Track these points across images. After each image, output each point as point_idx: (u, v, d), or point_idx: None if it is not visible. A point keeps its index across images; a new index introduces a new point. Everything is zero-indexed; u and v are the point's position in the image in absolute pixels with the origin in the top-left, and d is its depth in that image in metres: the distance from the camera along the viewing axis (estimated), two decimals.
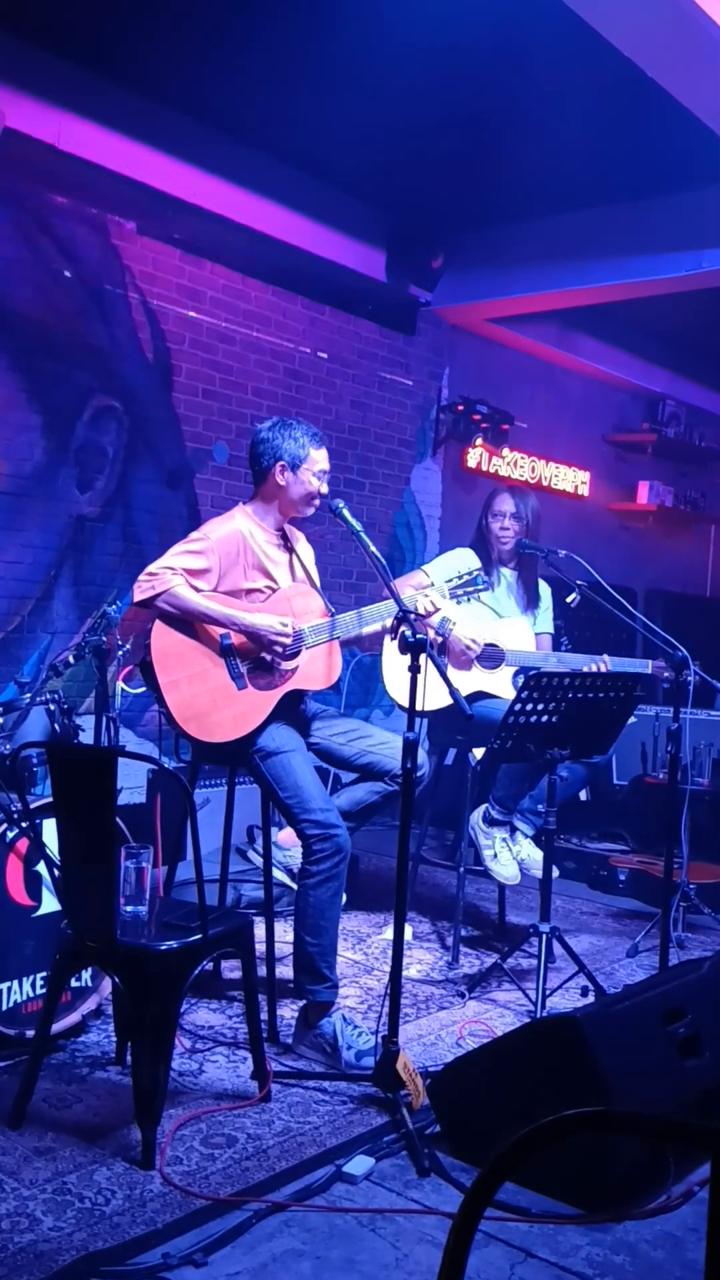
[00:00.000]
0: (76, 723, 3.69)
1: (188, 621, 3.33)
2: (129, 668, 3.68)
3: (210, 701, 3.33)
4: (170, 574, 3.29)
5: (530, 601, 4.46)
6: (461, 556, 4.35)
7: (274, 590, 3.49)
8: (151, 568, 3.32)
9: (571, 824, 6.25)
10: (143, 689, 3.46)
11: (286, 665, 3.41)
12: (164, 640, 3.32)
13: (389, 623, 3.52)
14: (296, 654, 3.42)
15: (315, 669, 3.51)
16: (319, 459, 3.50)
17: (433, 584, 3.80)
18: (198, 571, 3.34)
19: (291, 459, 3.46)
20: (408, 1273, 2.29)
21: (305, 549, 3.69)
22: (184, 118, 5.24)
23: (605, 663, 4.15)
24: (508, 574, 4.45)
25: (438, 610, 3.60)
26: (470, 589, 3.70)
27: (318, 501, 3.54)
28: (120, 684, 3.88)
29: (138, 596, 3.30)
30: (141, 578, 3.31)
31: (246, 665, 3.39)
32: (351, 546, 6.30)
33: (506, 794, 4.22)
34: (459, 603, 3.78)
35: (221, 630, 3.35)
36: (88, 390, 5.38)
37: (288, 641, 3.35)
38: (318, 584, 3.66)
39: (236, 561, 3.41)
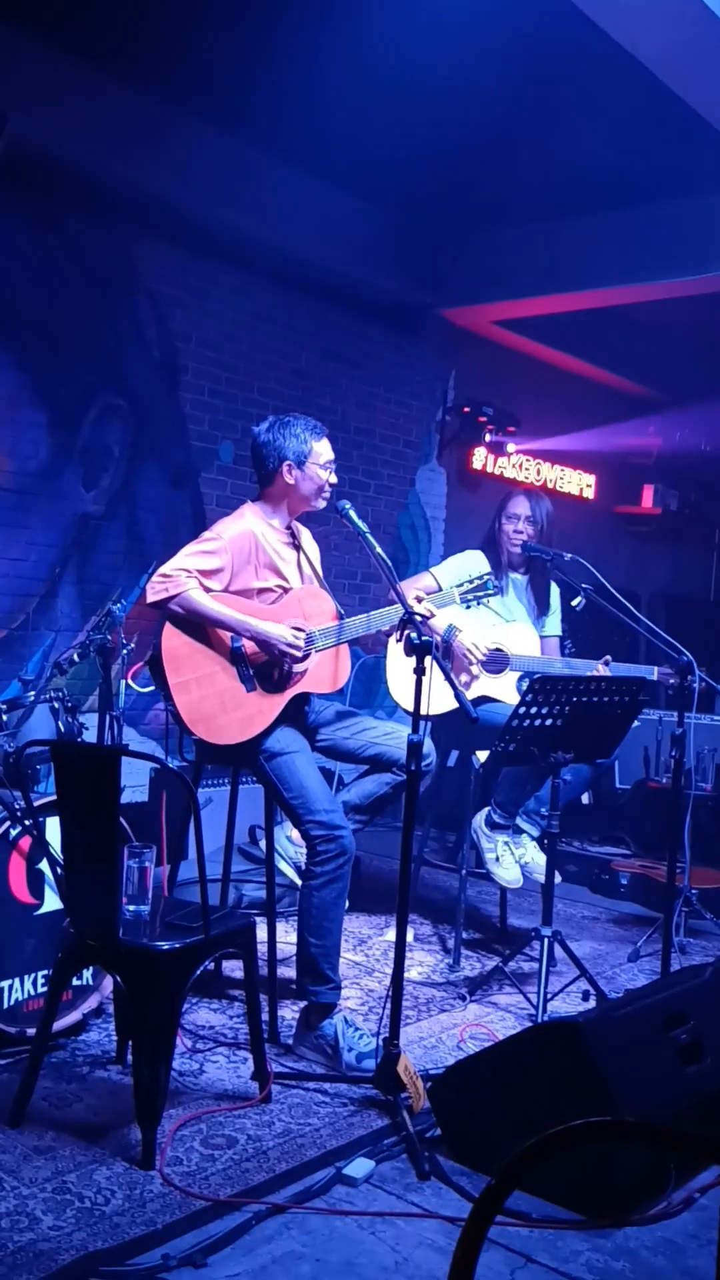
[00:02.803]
0: (80, 721, 3.69)
1: (198, 623, 3.32)
2: (138, 665, 3.68)
3: (219, 704, 3.32)
4: (185, 576, 3.27)
5: (541, 608, 4.45)
6: (471, 559, 4.34)
7: (285, 588, 3.48)
8: (165, 569, 3.29)
9: (574, 828, 6.24)
10: (150, 688, 3.46)
11: (296, 668, 3.41)
12: (174, 642, 3.30)
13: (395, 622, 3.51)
14: (306, 657, 3.41)
15: (323, 672, 3.50)
16: (323, 451, 3.48)
17: (440, 589, 3.78)
18: (211, 571, 3.32)
19: (296, 456, 3.44)
20: (407, 1276, 2.28)
21: (311, 545, 3.68)
22: (193, 118, 5.24)
23: (604, 666, 4.15)
24: (518, 579, 4.45)
25: (433, 615, 3.59)
26: (481, 593, 3.68)
27: (329, 492, 3.51)
28: (129, 682, 3.87)
29: (151, 598, 3.27)
30: (155, 578, 3.28)
31: (255, 669, 3.38)
32: (357, 548, 6.32)
33: (509, 798, 4.22)
34: (468, 607, 3.77)
35: (232, 633, 3.34)
36: (94, 389, 5.38)
37: (299, 654, 3.34)
38: (322, 579, 3.65)
39: (249, 561, 3.40)
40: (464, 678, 4.19)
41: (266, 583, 3.43)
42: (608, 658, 4.19)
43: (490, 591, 3.70)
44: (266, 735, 3.36)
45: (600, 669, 4.13)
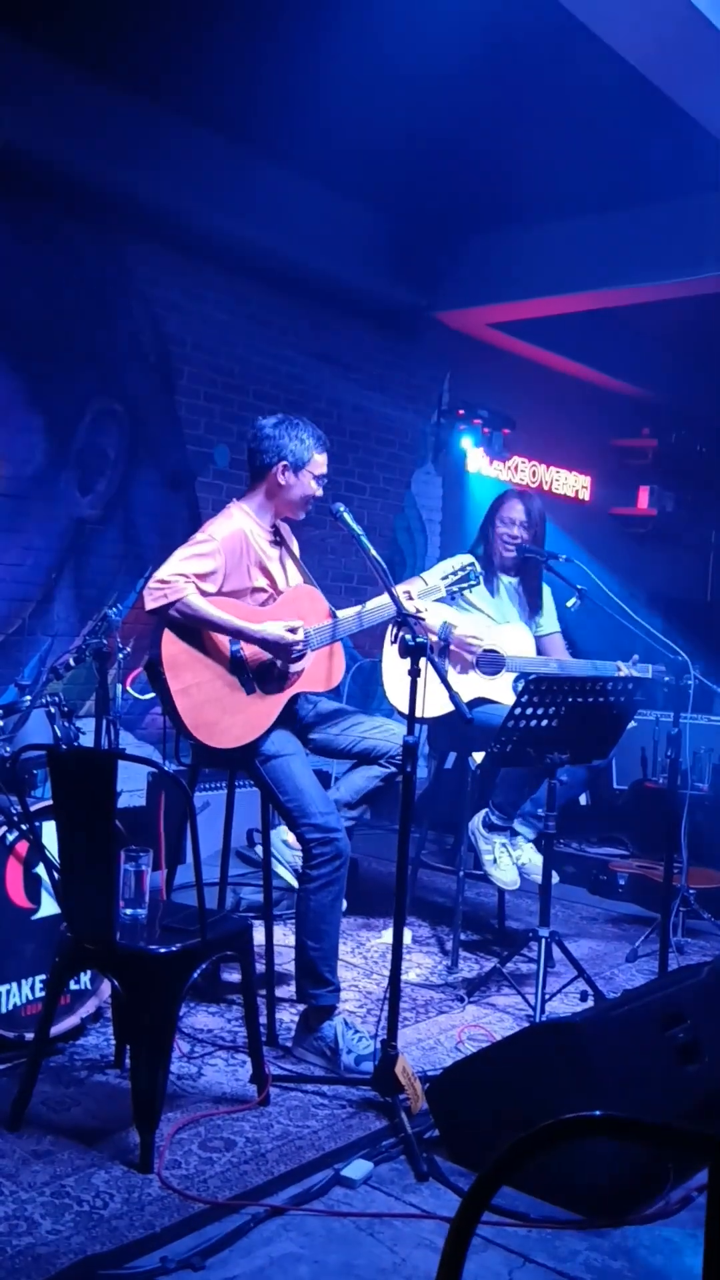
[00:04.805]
0: (77, 725, 3.69)
1: (196, 628, 3.32)
2: (136, 671, 3.68)
3: (220, 708, 3.32)
4: (183, 581, 3.25)
5: (533, 609, 4.45)
6: (462, 560, 4.34)
7: (274, 587, 3.49)
8: (162, 574, 3.26)
9: (571, 829, 6.25)
10: (150, 695, 3.46)
11: (293, 669, 3.42)
12: (174, 647, 3.29)
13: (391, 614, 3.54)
14: (302, 656, 3.42)
15: (318, 671, 3.52)
16: (321, 463, 3.48)
17: (426, 584, 3.81)
18: (206, 574, 3.30)
19: (295, 460, 3.42)
20: (405, 1277, 2.28)
21: (293, 541, 3.68)
22: (187, 122, 5.25)
23: (623, 669, 4.16)
24: (509, 581, 4.45)
25: (425, 612, 3.60)
26: (465, 584, 3.74)
27: (311, 506, 3.53)
28: (127, 689, 3.88)
29: (150, 605, 3.25)
30: (153, 584, 3.26)
31: (254, 671, 3.38)
32: (352, 550, 6.31)
33: (506, 799, 4.22)
34: (454, 600, 3.80)
35: (231, 637, 3.35)
36: (89, 393, 5.39)
37: (299, 648, 3.35)
38: (307, 575, 3.66)
39: (240, 561, 3.39)
40: (464, 674, 4.18)
41: (257, 582, 3.43)
42: (622, 662, 4.21)
43: (474, 582, 3.75)
44: (263, 738, 3.36)
45: (624, 670, 4.15)
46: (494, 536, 4.36)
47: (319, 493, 3.51)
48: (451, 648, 4.17)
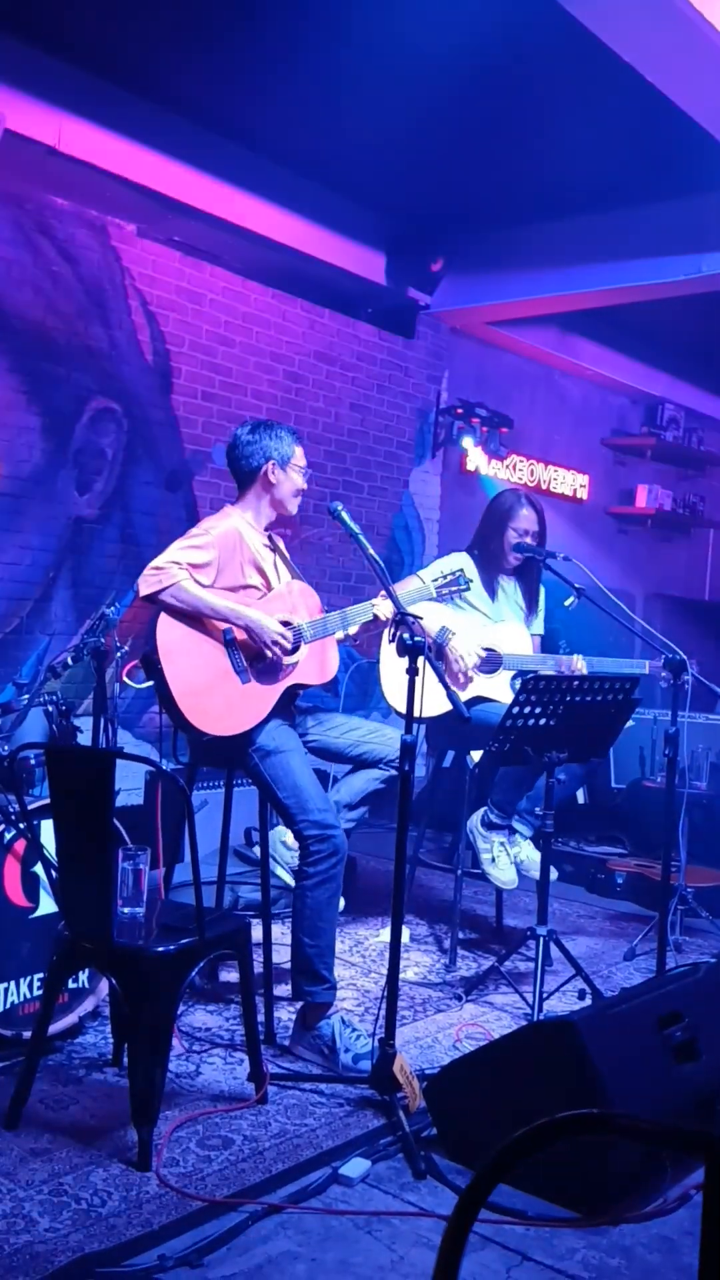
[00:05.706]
0: (75, 724, 3.70)
1: (192, 616, 3.35)
2: (133, 663, 3.70)
3: (215, 695, 3.34)
4: (176, 568, 3.31)
5: (531, 609, 4.45)
6: (456, 563, 4.34)
7: (267, 586, 3.53)
8: (157, 562, 3.34)
9: (569, 827, 6.25)
10: (147, 684, 3.47)
11: (287, 660, 3.44)
12: (169, 634, 3.33)
13: (368, 618, 3.58)
14: (296, 649, 3.45)
15: (312, 664, 3.55)
16: (301, 454, 3.60)
17: (422, 582, 3.85)
18: (200, 566, 3.37)
19: (281, 457, 3.53)
20: (403, 1275, 2.29)
21: (284, 551, 3.75)
22: (185, 120, 5.25)
23: (574, 664, 4.16)
24: (507, 582, 4.44)
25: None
26: (454, 588, 3.80)
27: (300, 498, 3.62)
28: (125, 679, 3.89)
29: (144, 590, 3.32)
30: (147, 571, 3.33)
31: (249, 659, 3.41)
32: (350, 549, 6.33)
33: (504, 798, 4.22)
34: (445, 602, 3.84)
35: (224, 625, 3.37)
36: (87, 392, 5.39)
37: (287, 645, 3.39)
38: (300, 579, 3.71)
39: (234, 557, 3.45)
40: (460, 680, 4.20)
41: (250, 579, 3.49)
42: (576, 657, 4.23)
43: (463, 587, 3.81)
44: (260, 731, 3.38)
45: (577, 666, 4.15)
46: (504, 544, 4.32)
47: (305, 485, 3.62)
48: (446, 652, 4.18)
